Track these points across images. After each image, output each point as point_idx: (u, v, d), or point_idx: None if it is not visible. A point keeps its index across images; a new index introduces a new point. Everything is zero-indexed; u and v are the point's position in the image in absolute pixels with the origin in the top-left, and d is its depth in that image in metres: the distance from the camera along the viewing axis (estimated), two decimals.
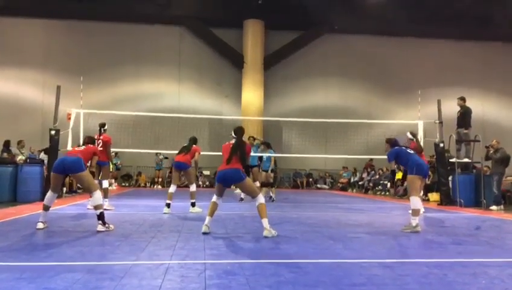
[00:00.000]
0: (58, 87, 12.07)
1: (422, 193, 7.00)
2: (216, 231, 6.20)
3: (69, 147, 11.98)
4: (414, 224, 6.44)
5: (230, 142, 6.21)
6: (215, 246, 4.99)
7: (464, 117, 12.28)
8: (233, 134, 6.29)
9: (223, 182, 6.11)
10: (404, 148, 7.02)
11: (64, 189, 14.20)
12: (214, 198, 6.18)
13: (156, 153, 19.41)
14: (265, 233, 5.68)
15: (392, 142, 7.04)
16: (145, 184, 21.36)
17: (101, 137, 9.22)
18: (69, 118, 11.89)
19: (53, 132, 11.48)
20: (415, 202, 6.59)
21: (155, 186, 20.58)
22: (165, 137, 19.45)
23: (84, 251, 4.63)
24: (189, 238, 5.52)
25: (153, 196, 14.45)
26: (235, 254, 4.66)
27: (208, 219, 6.03)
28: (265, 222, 5.77)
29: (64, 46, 21.93)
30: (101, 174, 9.44)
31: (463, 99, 12.46)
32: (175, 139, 20.19)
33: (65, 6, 21.20)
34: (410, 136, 9.61)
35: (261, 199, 5.95)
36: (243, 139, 6.33)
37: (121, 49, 22.26)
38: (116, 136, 17.85)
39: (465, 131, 12.26)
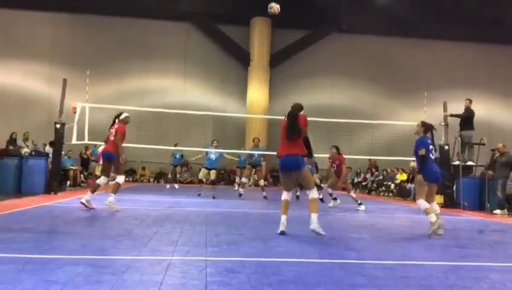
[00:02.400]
0: (65, 81, 12.11)
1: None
2: (218, 228, 6.20)
3: (74, 141, 12.03)
4: (433, 220, 6.18)
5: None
6: (216, 243, 4.99)
7: (470, 119, 12.27)
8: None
9: (285, 170, 5.77)
10: (432, 147, 6.51)
11: (68, 182, 14.29)
12: (285, 195, 5.84)
13: (175, 144, 17.27)
14: (312, 226, 5.49)
15: (427, 127, 6.58)
16: (149, 179, 21.42)
17: (115, 126, 8.25)
18: (75, 112, 11.92)
19: (58, 125, 11.51)
20: (421, 204, 6.38)
21: (173, 185, 16.47)
22: (170, 132, 19.48)
23: (86, 244, 4.65)
24: (192, 235, 5.53)
25: (156, 191, 14.48)
26: (236, 251, 4.66)
27: (284, 217, 5.75)
28: (314, 216, 5.54)
29: (71, 40, 22.00)
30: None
31: (471, 101, 12.49)
32: (180, 135, 20.30)
33: (72, 0, 21.26)
34: None
35: (314, 193, 5.67)
36: (299, 113, 5.76)
37: (127, 44, 22.29)
38: None
39: (463, 133, 12.29)
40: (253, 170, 12.85)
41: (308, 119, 5.88)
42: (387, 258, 4.66)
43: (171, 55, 22.75)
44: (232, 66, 23.22)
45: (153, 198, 11.54)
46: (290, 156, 5.64)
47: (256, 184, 20.12)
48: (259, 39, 22.45)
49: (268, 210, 9.82)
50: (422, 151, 6.34)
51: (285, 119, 5.80)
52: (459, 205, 11.69)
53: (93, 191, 8.04)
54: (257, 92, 22.30)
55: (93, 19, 22.08)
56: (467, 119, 12.29)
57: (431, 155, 6.47)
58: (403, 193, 16.33)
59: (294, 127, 5.65)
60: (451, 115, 12.61)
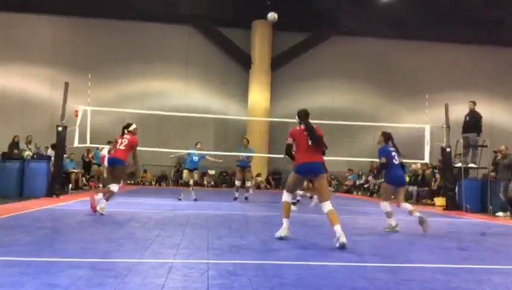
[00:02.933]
0: (66, 84, 12.14)
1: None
2: (219, 231, 6.20)
3: (76, 144, 12.05)
4: (394, 224, 6.94)
5: (301, 126, 5.75)
6: (218, 246, 4.99)
7: (477, 122, 12.24)
8: (297, 118, 5.81)
9: (304, 174, 5.73)
10: (394, 154, 7.10)
11: (70, 185, 14.31)
12: (286, 196, 5.74)
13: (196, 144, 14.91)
14: (341, 240, 5.10)
15: (386, 137, 7.24)
16: (151, 182, 21.43)
17: (127, 137, 8.35)
18: (76, 115, 11.94)
19: (60, 129, 11.54)
20: (383, 206, 7.10)
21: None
22: (171, 135, 19.48)
23: (88, 247, 4.65)
24: (193, 238, 5.53)
25: (158, 194, 14.48)
26: (238, 254, 4.66)
27: (286, 221, 5.65)
28: (339, 228, 5.22)
29: (72, 43, 22.06)
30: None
31: (475, 103, 12.48)
32: (181, 138, 20.32)
33: (73, 3, 21.34)
34: None
35: (328, 205, 5.41)
36: (309, 122, 5.73)
37: (129, 47, 22.35)
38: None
39: (477, 137, 12.21)
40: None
41: (310, 121, 5.86)
42: (389, 261, 4.66)
43: (172, 58, 22.80)
44: (233, 68, 23.26)
45: (155, 201, 11.54)
46: (313, 163, 5.59)
47: (258, 186, 20.20)
48: (260, 42, 22.49)
49: (269, 212, 9.82)
50: (383, 159, 7.06)
51: (303, 129, 5.71)
52: (461, 207, 11.66)
53: (107, 199, 7.78)
54: (258, 94, 22.33)
55: (95, 22, 22.15)
56: (474, 122, 12.26)
57: (394, 161, 7.06)
58: (405, 195, 16.27)
59: (317, 138, 5.63)
60: (465, 126, 12.43)
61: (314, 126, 5.73)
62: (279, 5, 21.68)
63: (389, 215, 7.04)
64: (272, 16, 9.75)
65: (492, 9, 20.20)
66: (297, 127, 5.79)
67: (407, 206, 7.12)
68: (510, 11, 19.97)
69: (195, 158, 12.31)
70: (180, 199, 11.70)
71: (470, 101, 12.65)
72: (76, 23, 22.17)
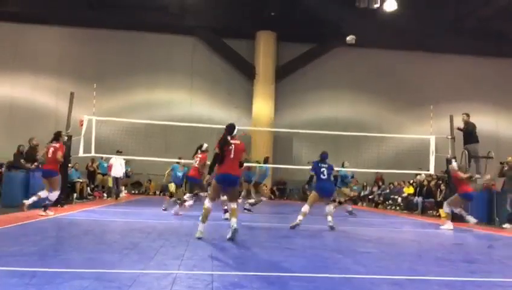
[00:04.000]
0: (72, 94, 12.22)
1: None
2: (224, 241, 6.17)
3: (81, 153, 12.08)
4: (298, 220, 8.21)
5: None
6: (222, 257, 4.96)
7: (472, 133, 12.21)
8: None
9: (225, 185, 6.36)
10: (323, 169, 8.37)
11: (75, 195, 14.32)
12: (210, 203, 6.34)
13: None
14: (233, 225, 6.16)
15: (322, 155, 8.71)
16: (155, 192, 21.41)
17: (200, 155, 10.05)
18: (82, 125, 11.99)
19: (65, 138, 11.57)
20: (305, 207, 8.29)
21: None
22: (176, 145, 19.51)
23: (92, 258, 4.64)
24: (197, 248, 5.50)
25: (161, 204, 14.42)
26: (242, 265, 4.63)
27: (202, 225, 6.29)
28: (233, 221, 6.21)
29: (78, 54, 22.25)
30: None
31: (468, 115, 12.46)
32: (186, 148, 20.34)
33: (80, 14, 21.57)
34: None
35: (234, 204, 6.36)
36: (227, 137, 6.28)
37: (134, 58, 22.51)
38: (128, 143, 17.99)
39: (475, 144, 12.17)
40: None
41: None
42: (396, 273, 4.61)
43: (177, 68, 22.92)
44: (237, 79, 23.34)
45: (159, 211, 11.51)
46: (229, 175, 6.21)
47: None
48: (264, 53, 22.59)
49: (273, 223, 9.78)
50: (312, 173, 8.49)
51: (231, 141, 6.25)
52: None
53: (181, 205, 9.93)
54: (262, 105, 22.38)
55: (100, 33, 22.35)
56: (468, 133, 12.22)
57: (322, 176, 8.36)
58: (410, 207, 16.19)
59: (221, 151, 6.25)
60: (458, 129, 12.54)
61: (238, 142, 6.31)
62: (283, 16, 21.94)
63: (303, 215, 8.24)
64: (351, 38, 10.66)
65: (498, 20, 20.23)
66: (229, 139, 6.30)
67: (329, 209, 8.47)
68: None
69: (179, 174, 12.08)
70: (164, 210, 11.53)
71: (463, 113, 12.59)
72: (82, 34, 22.37)
